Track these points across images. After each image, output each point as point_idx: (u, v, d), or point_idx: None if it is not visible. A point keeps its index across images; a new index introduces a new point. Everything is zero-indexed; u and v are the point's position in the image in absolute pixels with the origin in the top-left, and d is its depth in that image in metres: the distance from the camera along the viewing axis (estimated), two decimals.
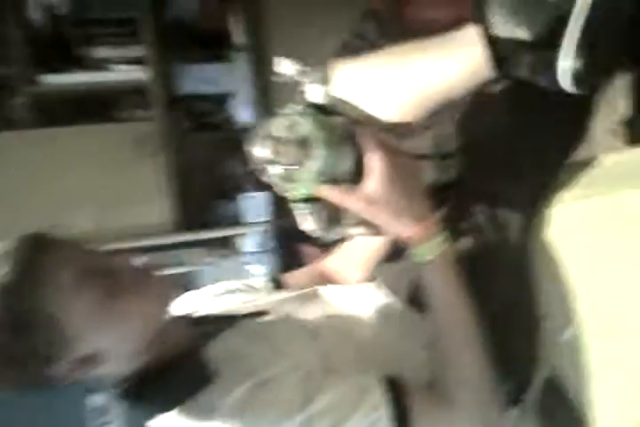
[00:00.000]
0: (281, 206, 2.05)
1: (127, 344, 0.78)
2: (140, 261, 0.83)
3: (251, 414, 0.75)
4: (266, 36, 2.22)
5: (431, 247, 0.80)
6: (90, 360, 0.76)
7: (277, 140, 0.76)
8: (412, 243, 0.80)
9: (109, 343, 0.77)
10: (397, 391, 0.79)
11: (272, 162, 0.77)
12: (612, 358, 0.72)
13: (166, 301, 0.84)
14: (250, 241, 2.12)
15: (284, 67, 0.77)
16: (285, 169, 0.77)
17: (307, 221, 0.82)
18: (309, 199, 0.80)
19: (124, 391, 0.82)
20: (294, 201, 0.81)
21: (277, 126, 0.78)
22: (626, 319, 0.69)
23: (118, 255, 0.81)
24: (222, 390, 0.77)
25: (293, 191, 0.79)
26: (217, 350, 0.83)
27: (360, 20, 2.22)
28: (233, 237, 2.17)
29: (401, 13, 2.22)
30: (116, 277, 0.77)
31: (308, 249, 1.94)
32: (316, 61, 0.84)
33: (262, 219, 2.11)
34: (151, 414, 0.80)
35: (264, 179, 0.81)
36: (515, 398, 0.88)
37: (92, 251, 0.80)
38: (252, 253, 2.10)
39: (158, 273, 0.83)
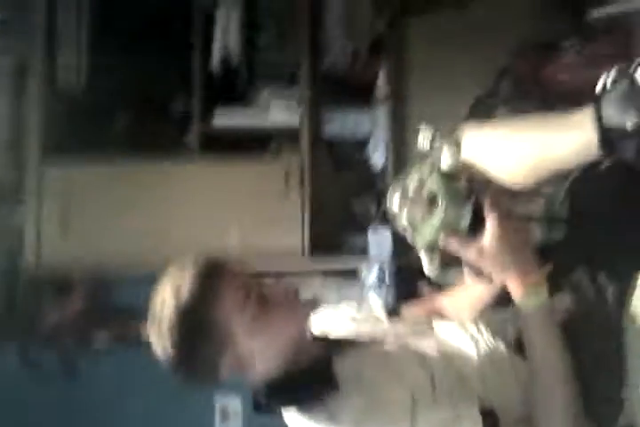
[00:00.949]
0: (403, 244, 2.20)
1: (274, 352, 0.98)
2: (289, 287, 1.02)
3: (366, 424, 0.91)
4: (406, 88, 2.43)
5: (531, 299, 0.93)
6: (245, 362, 0.96)
7: (407, 198, 0.95)
8: (515, 293, 0.94)
9: (261, 350, 0.97)
10: (492, 422, 0.91)
11: (401, 214, 0.96)
12: None
13: (306, 319, 1.03)
14: (371, 273, 2.30)
15: (421, 137, 0.95)
16: (412, 221, 0.95)
17: (426, 265, 0.99)
18: (430, 246, 0.96)
19: (263, 389, 1.01)
20: (418, 247, 0.98)
21: (409, 183, 0.96)
22: None
23: (273, 283, 1.01)
24: (344, 401, 0.93)
25: (417, 239, 0.96)
26: (341, 367, 0.99)
27: (496, 77, 2.38)
28: (357, 268, 2.37)
29: (537, 74, 2.34)
30: (269, 297, 0.97)
31: (424, 287, 2.08)
32: (448, 126, 1.01)
33: (385, 254, 2.28)
34: (282, 408, 1.00)
35: (395, 226, 1.00)
36: None
37: (252, 277, 0.99)
38: (372, 284, 2.27)
39: (302, 298, 1.02)
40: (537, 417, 0.94)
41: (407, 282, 2.18)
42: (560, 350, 0.94)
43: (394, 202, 0.95)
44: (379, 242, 2.27)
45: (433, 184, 0.94)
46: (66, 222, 2.19)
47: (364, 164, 2.47)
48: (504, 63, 2.31)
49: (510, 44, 2.31)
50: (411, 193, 0.95)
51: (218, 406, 2.61)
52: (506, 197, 0.99)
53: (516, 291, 0.94)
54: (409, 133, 2.33)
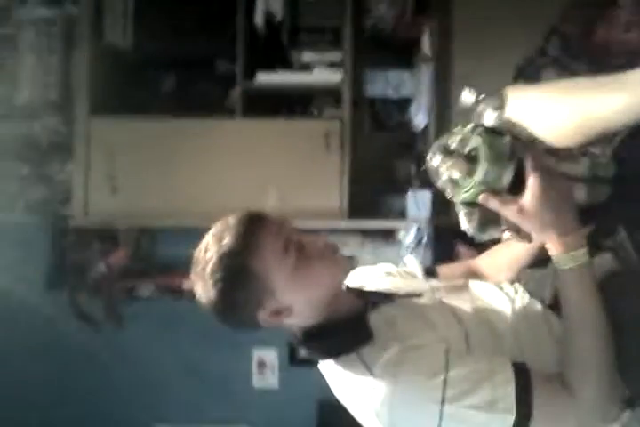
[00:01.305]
0: (442, 205, 2.20)
1: (312, 302, 1.00)
2: (328, 241, 1.03)
3: (399, 370, 0.93)
4: (451, 48, 2.39)
5: (570, 258, 0.92)
6: (284, 311, 0.98)
7: (450, 153, 0.94)
8: (553, 253, 0.94)
9: (299, 300, 0.98)
10: (525, 375, 0.92)
11: (442, 170, 0.96)
12: None
13: (343, 272, 1.05)
14: (408, 234, 2.31)
15: (465, 96, 0.94)
16: (453, 177, 0.95)
17: (465, 222, 1.00)
18: (470, 203, 0.96)
19: (301, 340, 1.03)
20: (457, 204, 0.99)
21: (451, 140, 0.96)
22: None
23: (311, 233, 1.01)
24: (378, 349, 0.95)
25: (457, 195, 0.96)
26: (377, 318, 1.01)
27: (545, 36, 2.31)
28: (394, 229, 2.38)
29: (589, 33, 2.26)
30: (308, 249, 0.98)
31: (461, 247, 2.09)
32: (494, 88, 1.00)
33: (423, 215, 2.29)
34: (318, 359, 1.03)
35: (435, 182, 1.00)
36: (630, 402, 0.97)
37: (292, 227, 1.01)
38: (410, 245, 2.29)
39: (339, 251, 1.03)
40: (570, 376, 0.94)
41: (445, 243, 2.18)
42: (597, 310, 0.94)
43: (435, 157, 0.95)
44: (418, 203, 2.27)
45: (476, 141, 0.93)
46: (112, 176, 2.25)
47: (407, 124, 2.45)
48: (553, 22, 2.24)
49: (559, 3, 2.23)
50: (453, 149, 0.95)
51: (255, 358, 2.70)
52: (549, 157, 0.99)
53: (554, 251, 0.94)
54: (452, 94, 2.30)
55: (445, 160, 0.94)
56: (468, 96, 0.90)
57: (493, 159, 0.91)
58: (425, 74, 2.40)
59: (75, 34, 2.42)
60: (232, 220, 0.98)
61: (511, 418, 0.90)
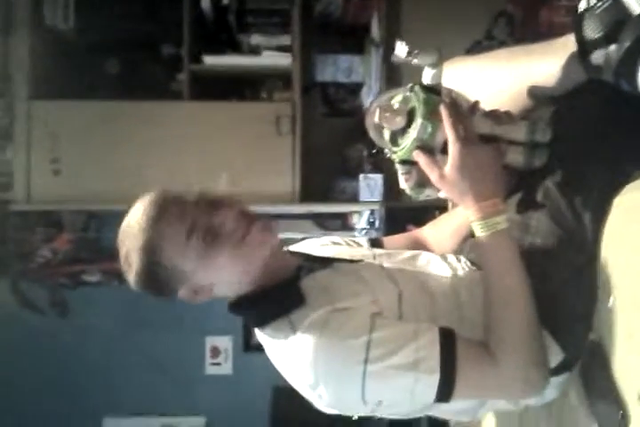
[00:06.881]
0: (393, 189, 2.21)
1: (234, 278, 0.98)
2: (235, 216, 0.96)
3: (324, 330, 0.92)
4: (400, 32, 2.40)
5: (487, 226, 0.92)
6: (204, 289, 0.97)
7: (388, 109, 0.94)
8: (471, 219, 0.93)
9: (217, 278, 0.97)
10: (450, 339, 0.92)
11: (383, 127, 0.95)
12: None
13: (263, 247, 0.98)
14: (361, 217, 2.31)
15: (399, 48, 0.93)
16: (392, 133, 0.95)
17: (402, 181, 0.99)
18: (406, 162, 0.96)
19: (234, 307, 1.02)
20: (395, 163, 0.98)
21: (391, 98, 0.96)
22: None
23: (223, 211, 0.95)
24: (307, 312, 0.94)
25: (396, 153, 0.96)
26: (311, 282, 1.00)
27: (492, 20, 2.34)
28: (347, 212, 2.38)
29: (534, 16, 2.30)
30: (217, 232, 0.94)
31: (411, 228, 2.09)
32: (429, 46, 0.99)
33: (375, 198, 2.29)
34: (254, 327, 1.01)
35: (375, 141, 0.99)
36: (566, 365, 0.98)
37: (201, 208, 0.95)
38: (362, 228, 2.29)
39: (260, 223, 0.97)
40: (492, 343, 0.94)
41: (397, 226, 2.19)
42: (516, 278, 0.94)
43: (375, 116, 0.94)
44: (370, 187, 2.27)
45: (412, 99, 0.93)
46: (55, 159, 2.19)
47: (358, 108, 2.45)
48: (499, 6, 2.27)
49: None
50: (390, 107, 0.95)
51: (208, 345, 2.67)
52: (486, 120, 0.98)
53: (472, 218, 0.93)
54: (403, 78, 2.31)
55: (384, 117, 0.93)
56: (400, 50, 0.89)
57: (428, 116, 0.91)
58: (374, 58, 2.40)
59: (13, 17, 2.34)
60: (139, 209, 0.96)
61: (436, 379, 0.90)
